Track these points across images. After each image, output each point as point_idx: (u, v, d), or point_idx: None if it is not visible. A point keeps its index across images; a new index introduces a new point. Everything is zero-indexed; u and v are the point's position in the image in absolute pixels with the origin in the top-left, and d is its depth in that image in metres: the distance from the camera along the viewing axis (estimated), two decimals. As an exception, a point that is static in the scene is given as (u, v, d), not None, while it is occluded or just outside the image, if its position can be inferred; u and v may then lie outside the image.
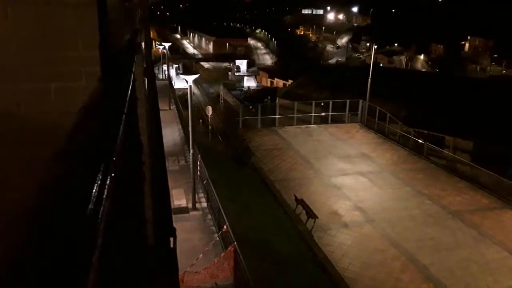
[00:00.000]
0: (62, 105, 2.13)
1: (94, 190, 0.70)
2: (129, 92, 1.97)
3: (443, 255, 14.34)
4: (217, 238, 14.23)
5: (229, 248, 12.38)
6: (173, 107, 33.04)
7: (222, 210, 14.47)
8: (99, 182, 0.73)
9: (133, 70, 2.77)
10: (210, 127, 31.53)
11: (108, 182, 0.76)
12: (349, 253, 14.24)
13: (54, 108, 2.13)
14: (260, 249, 14.14)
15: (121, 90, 1.81)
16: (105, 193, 0.71)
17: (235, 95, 62.39)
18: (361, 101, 28.93)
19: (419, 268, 13.62)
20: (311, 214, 15.76)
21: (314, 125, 28.46)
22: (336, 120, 29.25)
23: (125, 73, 2.28)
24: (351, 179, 20.17)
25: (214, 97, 59.18)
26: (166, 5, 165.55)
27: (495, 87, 38.23)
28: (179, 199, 17.42)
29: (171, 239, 4.88)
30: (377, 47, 66.78)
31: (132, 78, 2.40)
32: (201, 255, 12.49)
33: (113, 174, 0.79)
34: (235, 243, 12.12)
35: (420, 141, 24.35)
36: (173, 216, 5.99)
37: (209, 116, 32.65)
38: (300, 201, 16.75)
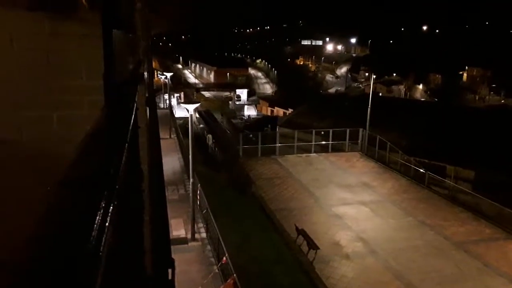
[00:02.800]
0: (64, 133, 2.14)
1: (97, 218, 0.68)
2: (132, 121, 1.97)
3: (447, 287, 14.01)
4: (216, 270, 13.94)
5: (228, 280, 12.11)
6: (173, 135, 33.18)
7: (221, 240, 14.25)
8: (102, 210, 0.72)
9: (136, 99, 2.79)
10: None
11: (111, 210, 0.74)
12: (351, 286, 13.92)
13: (56, 136, 2.13)
14: (260, 281, 13.83)
15: (124, 119, 1.82)
16: (108, 221, 0.70)
17: (235, 123, 62.79)
18: (361, 130, 29.07)
19: (424, 301, 13.28)
20: (312, 245, 15.51)
21: (314, 154, 28.47)
22: (336, 149, 29.30)
23: (128, 102, 2.30)
24: (352, 209, 19.99)
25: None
26: (168, 36, 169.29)
27: (494, 117, 38.53)
28: (178, 229, 17.18)
29: (170, 270, 4.78)
30: (376, 77, 67.80)
31: (134, 108, 2.42)
32: (199, 287, 12.21)
33: (115, 203, 0.78)
34: (235, 275, 11.87)
35: (422, 170, 24.28)
36: (172, 246, 5.90)
37: (210, 145, 32.74)
38: (301, 231, 16.52)
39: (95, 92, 2.14)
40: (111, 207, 0.76)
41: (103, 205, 0.74)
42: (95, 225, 0.66)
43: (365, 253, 15.98)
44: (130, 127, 1.79)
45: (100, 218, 0.69)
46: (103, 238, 0.65)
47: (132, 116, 2.04)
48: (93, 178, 0.85)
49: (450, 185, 23.64)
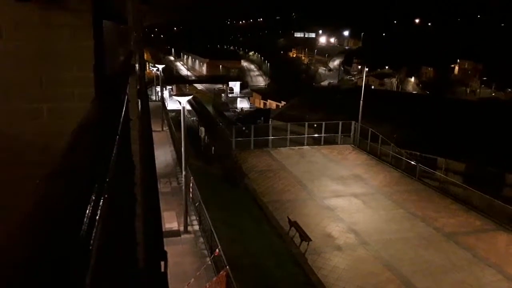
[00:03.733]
0: (55, 125, 2.12)
1: (87, 211, 0.68)
2: (123, 113, 1.96)
3: (437, 278, 14.21)
4: (209, 262, 13.99)
5: (221, 272, 12.15)
6: (166, 128, 33.04)
7: (214, 233, 14.28)
8: (92, 203, 0.71)
9: (127, 91, 2.77)
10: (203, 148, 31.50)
11: (101, 202, 0.74)
12: (343, 276, 14.06)
13: (47, 128, 2.11)
14: (253, 273, 13.91)
15: (115, 111, 1.80)
16: (99, 213, 0.70)
17: (228, 116, 62.65)
18: (353, 122, 29.18)
19: (414, 291, 13.46)
20: (304, 237, 15.62)
21: (307, 147, 28.56)
22: (329, 142, 29.41)
23: (119, 94, 2.28)
24: (344, 201, 20.13)
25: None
26: (160, 28, 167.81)
27: (485, 109, 38.87)
28: (170, 222, 17.18)
29: (162, 263, 4.79)
30: (368, 70, 67.96)
31: (126, 100, 2.40)
32: (192, 279, 12.25)
33: (106, 195, 0.78)
34: (228, 267, 11.92)
35: (413, 162, 24.48)
36: (164, 239, 5.90)
37: (202, 137, 32.68)
38: (293, 224, 16.62)
39: (85, 84, 2.12)
40: (102, 200, 0.76)
41: (94, 197, 0.74)
42: (85, 218, 0.66)
43: (357, 245, 16.14)
44: (121, 120, 1.78)
45: (90, 210, 0.69)
46: (93, 231, 0.65)
47: (123, 108, 2.03)
48: (84, 170, 0.85)
49: (441, 177, 23.89)
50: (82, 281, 0.56)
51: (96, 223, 0.67)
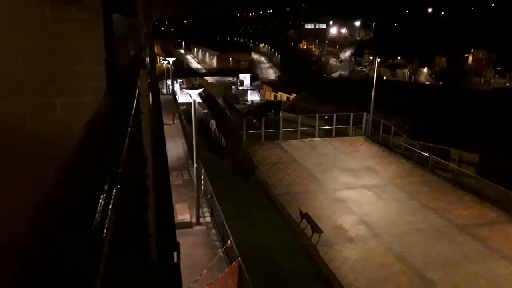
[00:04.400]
0: (68, 119, 2.15)
1: (100, 202, 0.70)
2: (134, 106, 1.98)
3: (450, 270, 14.12)
4: (221, 254, 14.10)
5: (233, 263, 12.25)
6: (177, 121, 33.20)
7: (226, 225, 14.37)
8: (104, 194, 0.73)
9: (138, 85, 2.79)
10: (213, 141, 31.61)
11: (114, 194, 0.76)
12: (354, 268, 14.06)
13: (60, 122, 2.14)
14: (265, 264, 13.99)
15: (126, 104, 1.82)
16: (111, 204, 0.71)
17: (238, 108, 62.63)
18: (365, 114, 28.93)
19: (426, 283, 13.41)
20: (316, 229, 15.63)
21: (318, 139, 28.44)
22: (340, 133, 29.23)
23: (130, 88, 2.30)
24: (356, 193, 20.05)
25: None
26: (170, 21, 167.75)
27: (499, 100, 38.15)
28: (182, 213, 17.34)
29: (175, 253, 4.85)
30: (380, 61, 67.12)
31: (137, 93, 2.42)
32: (205, 270, 12.36)
33: (118, 186, 0.79)
34: (239, 258, 12.00)
35: (426, 154, 24.23)
36: (177, 231, 5.96)
37: (213, 130, 32.78)
38: (304, 215, 16.63)
39: (97, 78, 2.14)
40: (114, 191, 0.77)
41: (106, 189, 0.76)
42: (98, 209, 0.68)
43: (368, 237, 16.10)
44: (133, 113, 1.80)
45: (103, 202, 0.70)
46: (106, 221, 0.67)
47: (134, 101, 2.05)
48: (96, 163, 0.86)
49: (454, 169, 23.61)
50: (95, 268, 0.57)
51: (109, 214, 0.69)
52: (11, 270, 0.51)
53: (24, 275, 0.52)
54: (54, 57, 2.12)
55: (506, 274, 13.99)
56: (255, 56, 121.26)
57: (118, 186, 0.80)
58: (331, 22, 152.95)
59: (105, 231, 0.64)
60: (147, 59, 5.48)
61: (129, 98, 2.02)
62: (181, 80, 69.62)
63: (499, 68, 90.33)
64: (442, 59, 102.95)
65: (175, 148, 25.52)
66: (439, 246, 15.52)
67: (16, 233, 0.62)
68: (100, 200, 0.70)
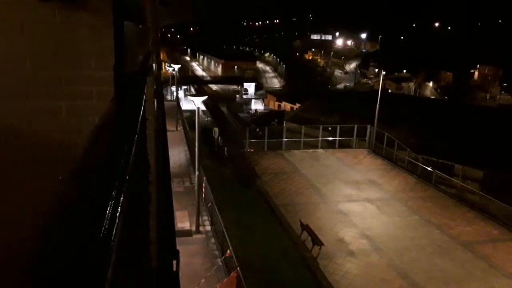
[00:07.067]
0: (74, 123, 2.14)
1: (108, 208, 0.68)
2: (141, 113, 1.97)
3: (452, 287, 13.95)
4: (220, 263, 14.00)
5: (232, 273, 12.15)
6: (180, 128, 33.26)
7: (226, 234, 14.29)
8: (112, 201, 0.71)
9: (145, 91, 2.79)
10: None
11: (121, 201, 0.74)
12: (355, 283, 13.91)
13: (66, 126, 2.13)
14: (264, 275, 13.88)
15: (134, 110, 1.81)
16: (119, 211, 0.70)
17: (242, 117, 62.75)
18: (369, 126, 28.90)
19: (427, 299, 13.25)
20: (316, 241, 15.51)
21: (321, 150, 28.40)
22: (343, 145, 29.19)
23: (137, 94, 2.29)
24: (358, 206, 19.93)
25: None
26: (176, 28, 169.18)
27: (505, 116, 38.08)
28: (182, 221, 17.27)
29: (175, 262, 4.81)
30: (385, 73, 67.29)
31: (143, 99, 2.41)
32: (203, 280, 12.27)
33: (126, 193, 0.78)
34: (238, 268, 11.91)
35: (429, 168, 24.12)
36: (177, 239, 5.92)
37: (216, 138, 32.80)
38: (305, 227, 16.53)
39: (104, 83, 2.14)
40: (122, 198, 0.76)
41: (114, 195, 0.74)
42: (106, 216, 0.66)
43: (370, 251, 15.96)
44: (140, 119, 1.79)
45: (111, 208, 0.69)
46: (114, 228, 0.65)
47: (141, 107, 2.04)
48: (103, 168, 0.85)
49: (458, 184, 23.48)
50: (104, 275, 0.55)
51: (117, 220, 0.67)
52: (19, 278, 0.49)
53: (32, 282, 0.50)
54: (62, 60, 2.12)
55: (508, 293, 13.82)
56: (260, 65, 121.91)
57: (126, 193, 0.79)
58: (337, 34, 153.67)
59: (113, 238, 0.63)
60: (154, 65, 5.50)
61: (136, 104, 2.01)
62: (185, 87, 69.91)
63: (505, 84, 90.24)
64: (448, 73, 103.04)
65: (177, 155, 25.54)
66: (441, 263, 15.36)
67: (22, 237, 0.60)
68: (108, 207, 0.69)
